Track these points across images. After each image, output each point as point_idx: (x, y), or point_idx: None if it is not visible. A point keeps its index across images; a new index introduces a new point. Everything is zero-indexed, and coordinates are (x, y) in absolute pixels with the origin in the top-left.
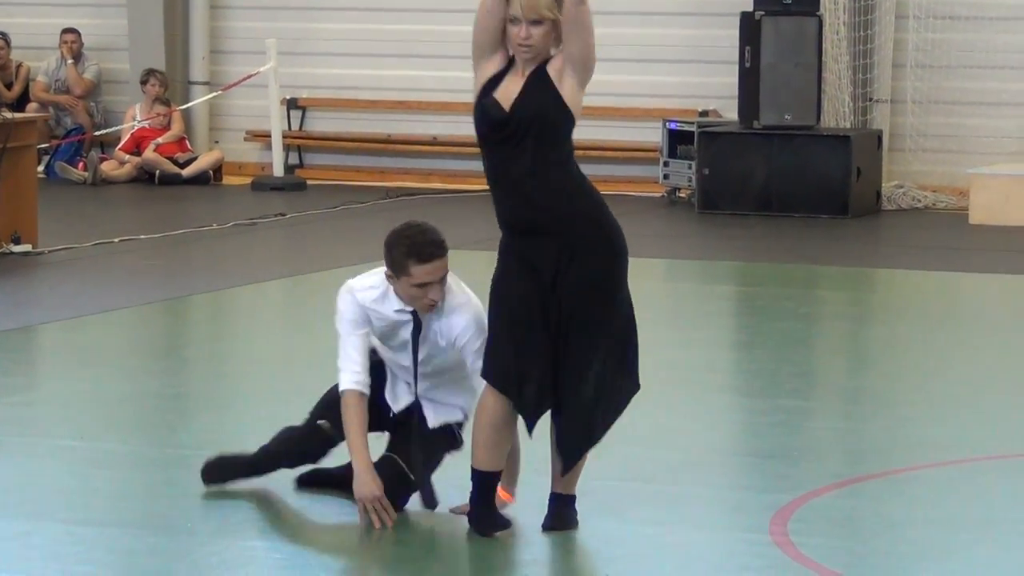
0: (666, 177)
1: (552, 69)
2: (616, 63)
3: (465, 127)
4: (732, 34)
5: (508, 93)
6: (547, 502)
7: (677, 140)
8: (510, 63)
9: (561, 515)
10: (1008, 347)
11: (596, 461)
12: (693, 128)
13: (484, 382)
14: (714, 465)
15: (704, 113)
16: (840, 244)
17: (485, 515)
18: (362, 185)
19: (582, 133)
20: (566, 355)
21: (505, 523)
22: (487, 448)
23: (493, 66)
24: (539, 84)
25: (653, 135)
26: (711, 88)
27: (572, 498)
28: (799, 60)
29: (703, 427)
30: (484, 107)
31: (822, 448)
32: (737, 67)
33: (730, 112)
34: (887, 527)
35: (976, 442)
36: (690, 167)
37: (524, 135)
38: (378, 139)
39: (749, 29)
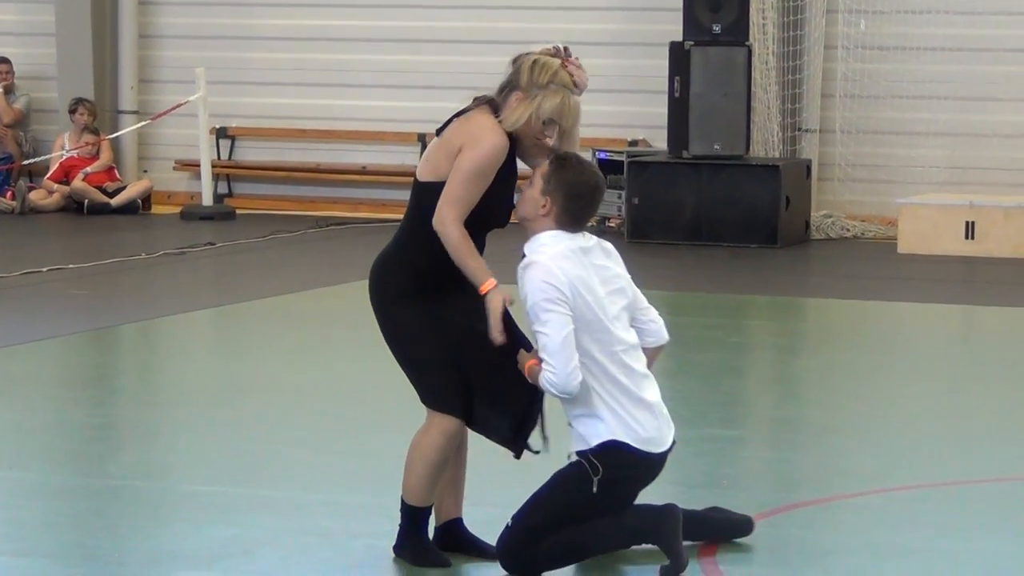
0: None
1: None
2: None
3: (394, 156)
4: (661, 64)
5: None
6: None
7: (607, 170)
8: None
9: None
10: (936, 375)
11: (526, 489)
12: (623, 158)
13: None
14: (642, 495)
15: (633, 143)
16: (769, 273)
17: (422, 548)
18: (291, 214)
19: None
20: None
21: (445, 561)
22: (431, 485)
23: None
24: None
25: None
26: (640, 118)
27: None
28: (728, 90)
29: None
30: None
31: (751, 477)
32: (666, 97)
33: (659, 142)
34: (817, 556)
35: (906, 470)
36: (620, 197)
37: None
38: (307, 168)
39: (678, 59)
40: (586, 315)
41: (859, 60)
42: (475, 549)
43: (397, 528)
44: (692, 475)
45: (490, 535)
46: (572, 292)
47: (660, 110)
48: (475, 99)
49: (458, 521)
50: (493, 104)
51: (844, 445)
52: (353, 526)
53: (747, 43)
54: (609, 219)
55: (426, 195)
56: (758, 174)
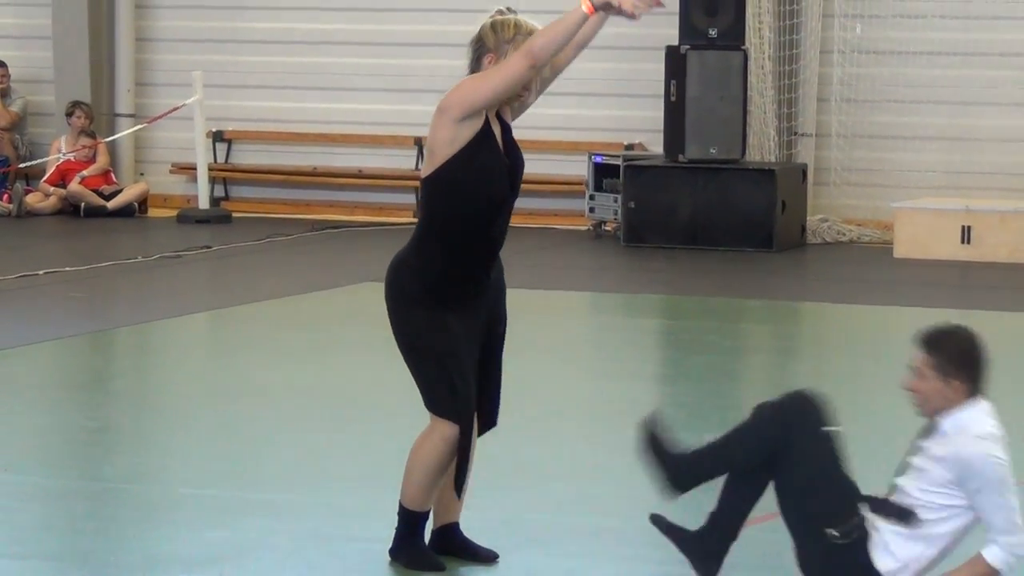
0: (592, 210)
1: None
2: (542, 96)
3: (390, 159)
4: (658, 68)
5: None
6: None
7: (603, 173)
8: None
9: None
10: None
11: (521, 493)
12: (619, 161)
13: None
14: (637, 498)
15: (630, 147)
16: (765, 277)
17: (418, 553)
18: (287, 218)
19: None
20: (490, 378)
21: (440, 565)
22: (429, 491)
23: (477, 124)
24: (510, 135)
25: (579, 168)
26: (637, 122)
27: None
28: (724, 94)
29: (626, 460)
30: (507, 166)
31: None
32: (663, 101)
33: (656, 146)
34: None
35: None
36: (616, 200)
37: (518, 185)
38: (303, 172)
39: (675, 63)
40: None
41: (855, 64)
42: (470, 554)
43: (393, 532)
44: None
45: (485, 540)
46: None
47: (656, 114)
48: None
49: (455, 526)
50: None
51: None
52: (348, 529)
53: (743, 47)
54: (605, 223)
55: (431, 190)
56: (754, 178)
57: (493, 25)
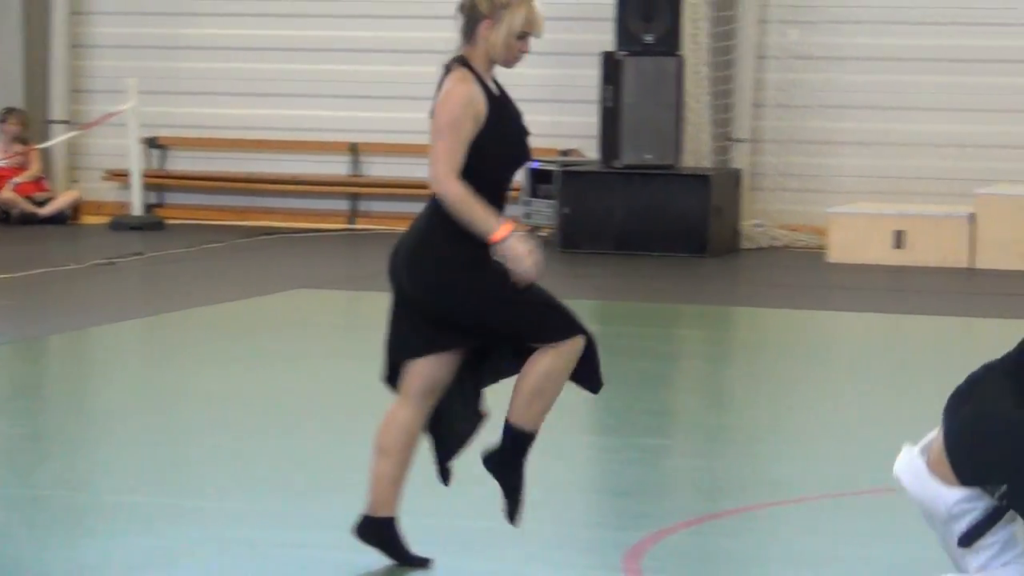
0: (527, 216)
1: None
2: None
3: (325, 166)
4: (593, 74)
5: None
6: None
7: (538, 179)
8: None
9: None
10: (863, 384)
11: (450, 499)
12: (554, 167)
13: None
14: (568, 503)
15: (565, 152)
16: (699, 283)
17: (520, 476)
18: (222, 224)
19: None
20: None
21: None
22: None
23: (481, 109)
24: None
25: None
26: (572, 127)
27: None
28: (660, 100)
29: (558, 465)
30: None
31: (677, 485)
32: (598, 106)
33: (591, 151)
34: (740, 564)
35: (830, 479)
36: (551, 206)
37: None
38: (238, 178)
39: (610, 69)
40: None
41: (789, 70)
42: (402, 556)
43: (497, 452)
44: (619, 483)
45: (415, 544)
46: None
47: (592, 120)
48: (444, 66)
49: (394, 520)
50: (463, 60)
51: (771, 453)
52: (277, 535)
53: (679, 53)
54: (541, 229)
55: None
56: (688, 184)
57: None
